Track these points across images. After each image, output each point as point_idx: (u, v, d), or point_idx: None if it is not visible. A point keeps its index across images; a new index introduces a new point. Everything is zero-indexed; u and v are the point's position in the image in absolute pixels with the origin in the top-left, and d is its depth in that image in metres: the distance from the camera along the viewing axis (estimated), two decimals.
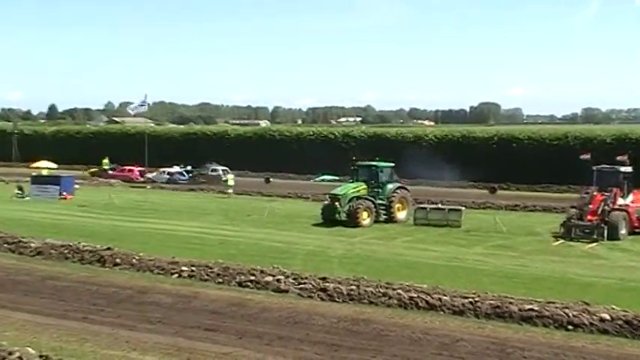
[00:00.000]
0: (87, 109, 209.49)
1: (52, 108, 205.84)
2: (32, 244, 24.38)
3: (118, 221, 32.41)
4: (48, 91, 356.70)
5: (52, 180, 45.40)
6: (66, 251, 23.29)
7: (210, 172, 57.62)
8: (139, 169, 59.40)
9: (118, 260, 21.95)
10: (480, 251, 25.60)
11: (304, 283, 18.68)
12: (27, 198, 42.87)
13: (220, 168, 57.85)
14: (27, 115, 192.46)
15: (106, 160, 63.22)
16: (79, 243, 24.07)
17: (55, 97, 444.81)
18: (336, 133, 69.77)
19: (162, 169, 59.39)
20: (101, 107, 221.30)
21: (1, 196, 43.89)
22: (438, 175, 52.16)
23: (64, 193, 43.04)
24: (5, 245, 24.79)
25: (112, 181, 56.37)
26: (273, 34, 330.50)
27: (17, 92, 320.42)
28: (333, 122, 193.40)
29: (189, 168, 59.82)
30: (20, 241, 24.93)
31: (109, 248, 23.08)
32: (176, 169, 59.71)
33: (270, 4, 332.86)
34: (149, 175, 58.35)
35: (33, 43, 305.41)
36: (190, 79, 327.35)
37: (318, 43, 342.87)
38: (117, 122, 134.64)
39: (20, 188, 44.13)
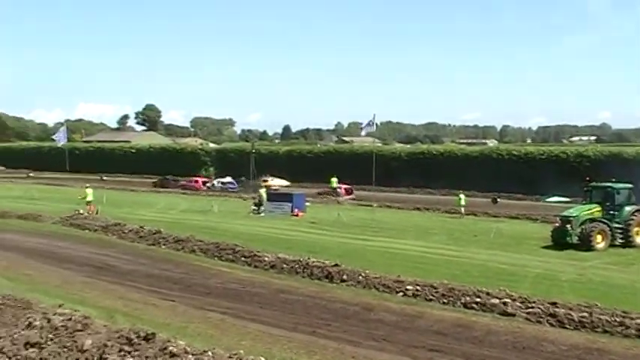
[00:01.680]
0: (318, 130, 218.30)
1: (286, 129, 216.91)
2: (266, 258, 25.60)
3: (345, 238, 33.13)
4: (283, 113, 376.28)
5: (286, 197, 47.62)
6: (296, 266, 24.21)
7: (261, 182, 66.45)
8: (203, 179, 74.20)
9: (345, 277, 22.44)
10: None
11: (532, 307, 18.02)
12: (262, 214, 45.28)
13: (271, 179, 69.47)
14: (263, 136, 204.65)
15: (334, 179, 65.22)
16: (309, 258, 24.78)
17: (290, 118, 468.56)
18: (568, 153, 66.90)
19: (217, 179, 73.85)
20: (331, 127, 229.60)
21: (239, 212, 46.82)
22: None
23: (296, 210, 44.96)
24: (243, 259, 26.29)
25: (341, 199, 58.06)
26: (502, 53, 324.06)
27: (256, 114, 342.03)
28: (565, 141, 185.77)
29: (242, 178, 72.38)
30: (256, 255, 26.22)
31: (336, 265, 23.62)
32: (228, 179, 72.90)
33: (503, 22, 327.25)
34: (208, 185, 72.12)
35: (271, 69, 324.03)
36: (418, 99, 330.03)
37: (548, 60, 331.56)
38: (346, 142, 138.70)
39: (256, 204, 46.81)
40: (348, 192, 61.11)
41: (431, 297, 19.82)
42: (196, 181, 72.41)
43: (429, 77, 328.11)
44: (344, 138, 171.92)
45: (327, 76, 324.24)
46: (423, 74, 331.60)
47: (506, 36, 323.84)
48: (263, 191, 49.83)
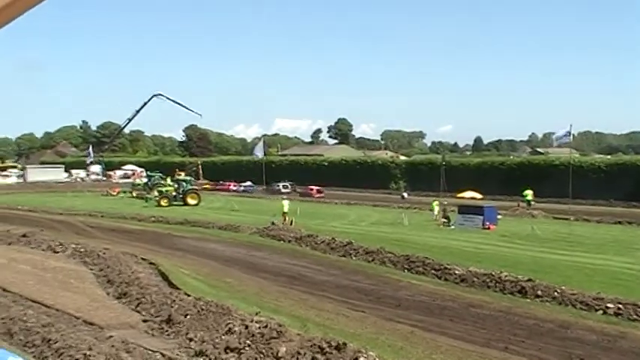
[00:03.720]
0: (511, 141, 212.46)
1: (478, 140, 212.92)
2: (456, 272, 25.29)
3: (539, 252, 31.97)
4: (475, 124, 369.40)
5: (477, 210, 46.78)
6: (488, 280, 23.70)
7: (275, 187, 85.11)
8: (232, 184, 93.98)
9: (539, 292, 21.70)
10: None
11: None
12: (452, 227, 44.78)
13: (281, 184, 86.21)
14: (454, 148, 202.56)
15: (529, 191, 63.13)
16: (501, 273, 24.16)
17: (481, 129, 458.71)
18: None
19: (241, 184, 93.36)
20: (525, 138, 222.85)
21: (428, 224, 46.61)
22: None
23: (487, 223, 44.03)
24: (432, 271, 26.12)
25: (535, 212, 56.24)
26: None
27: (447, 126, 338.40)
28: None
29: (287, 183, 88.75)
30: (445, 268, 25.98)
31: (530, 280, 22.89)
32: (248, 183, 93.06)
33: None
34: (234, 188, 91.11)
35: (462, 80, 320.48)
36: (619, 107, 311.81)
37: None
38: (540, 153, 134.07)
39: (447, 217, 46.41)
40: (320, 192, 78.04)
41: (635, 316, 18.72)
42: (228, 185, 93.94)
43: (633, 84, 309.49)
44: (538, 149, 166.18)
45: (521, 85, 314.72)
46: (625, 81, 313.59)
47: None
48: (436, 204, 49.46)
